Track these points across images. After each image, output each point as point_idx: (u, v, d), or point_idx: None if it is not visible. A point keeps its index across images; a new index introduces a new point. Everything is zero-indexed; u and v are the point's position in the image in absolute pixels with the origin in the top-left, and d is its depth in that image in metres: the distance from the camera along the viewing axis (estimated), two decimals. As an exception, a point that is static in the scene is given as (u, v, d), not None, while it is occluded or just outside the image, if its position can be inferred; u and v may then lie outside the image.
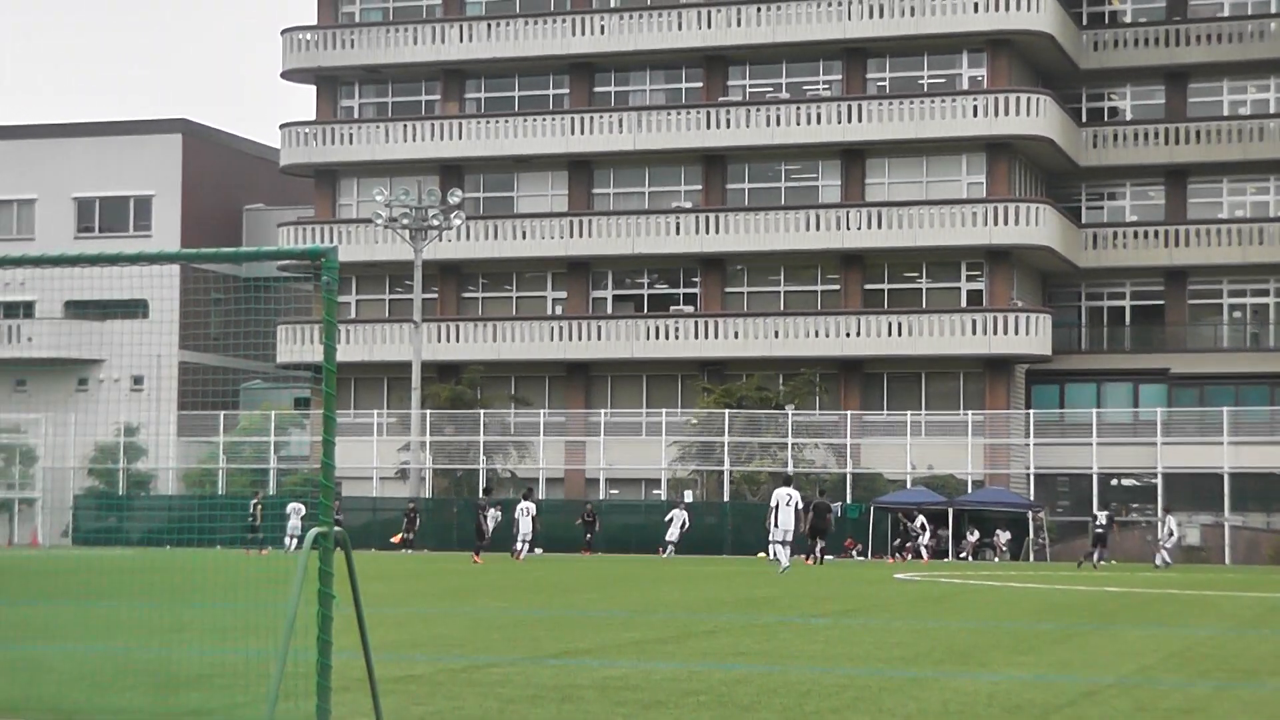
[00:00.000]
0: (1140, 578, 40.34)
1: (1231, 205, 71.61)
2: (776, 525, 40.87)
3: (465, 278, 74.03)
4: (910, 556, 56.85)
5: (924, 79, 69.58)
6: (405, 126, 73.75)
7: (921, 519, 58.12)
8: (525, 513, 49.77)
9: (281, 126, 75.24)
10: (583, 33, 72.17)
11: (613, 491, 67.10)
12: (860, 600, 26.83)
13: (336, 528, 9.78)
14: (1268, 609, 25.20)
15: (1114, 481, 65.41)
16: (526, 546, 50.35)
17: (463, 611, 22.84)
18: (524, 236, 71.87)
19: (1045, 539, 61.22)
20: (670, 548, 57.42)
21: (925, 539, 57.87)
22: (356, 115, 75.79)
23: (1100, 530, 52.03)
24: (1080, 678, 13.62)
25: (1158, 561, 50.75)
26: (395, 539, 59.67)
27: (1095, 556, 51.21)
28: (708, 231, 69.83)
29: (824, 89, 70.78)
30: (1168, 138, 71.48)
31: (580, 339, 70.77)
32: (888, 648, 16.74)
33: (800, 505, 41.94)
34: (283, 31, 75.27)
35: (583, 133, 71.79)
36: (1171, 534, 51.59)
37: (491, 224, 72.26)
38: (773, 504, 41.49)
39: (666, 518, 59.31)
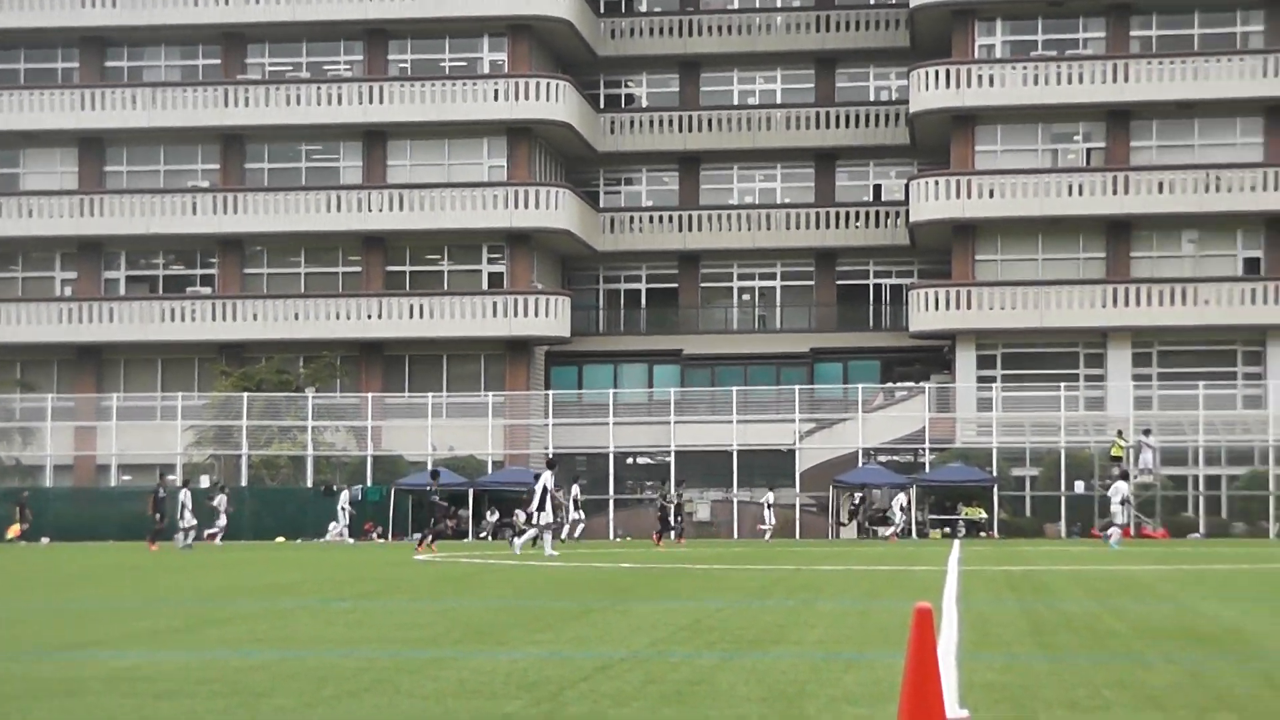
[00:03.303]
0: (654, 554, 41.42)
1: (741, 192, 74.28)
2: (545, 509, 38.87)
3: (-33, 257, 70.82)
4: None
5: (445, 62, 69.85)
6: (-100, 97, 70.08)
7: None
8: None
9: None
10: (94, 4, 69.79)
11: (125, 478, 65.22)
12: (381, 582, 26.77)
13: None
14: (772, 581, 26.19)
15: (630, 460, 67.02)
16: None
17: (-37, 606, 21.79)
18: (30, 215, 69.17)
19: (565, 518, 62.17)
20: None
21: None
22: None
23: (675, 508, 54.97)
24: (595, 653, 13.87)
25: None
26: (12, 532, 56.97)
27: (674, 534, 53.17)
28: (226, 212, 68.58)
29: (345, 69, 70.30)
30: (681, 125, 73.66)
31: (91, 321, 68.57)
32: (407, 629, 16.73)
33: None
34: None
35: (94, 108, 69.49)
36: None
37: (-5, 201, 69.28)
38: (546, 486, 39.09)
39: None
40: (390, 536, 59.89)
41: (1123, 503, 47.17)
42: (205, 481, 63.27)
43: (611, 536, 61.13)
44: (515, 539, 38.93)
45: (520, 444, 66.01)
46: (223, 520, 55.42)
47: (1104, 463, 60.04)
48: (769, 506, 58.30)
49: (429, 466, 62.66)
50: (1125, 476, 49.05)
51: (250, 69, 70.65)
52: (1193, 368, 64.12)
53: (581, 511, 53.84)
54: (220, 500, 55.81)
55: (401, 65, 70.24)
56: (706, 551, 43.25)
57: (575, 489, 49.54)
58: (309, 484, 63.20)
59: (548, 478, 39.53)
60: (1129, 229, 65.86)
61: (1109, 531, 46.85)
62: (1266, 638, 15.33)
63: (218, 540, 54.73)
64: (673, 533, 52.39)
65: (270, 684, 11.74)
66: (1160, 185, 64.59)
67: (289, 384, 66.07)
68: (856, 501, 59.91)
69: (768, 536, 57.09)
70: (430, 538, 45.25)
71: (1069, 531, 59.67)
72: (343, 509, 59.04)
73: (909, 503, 59.49)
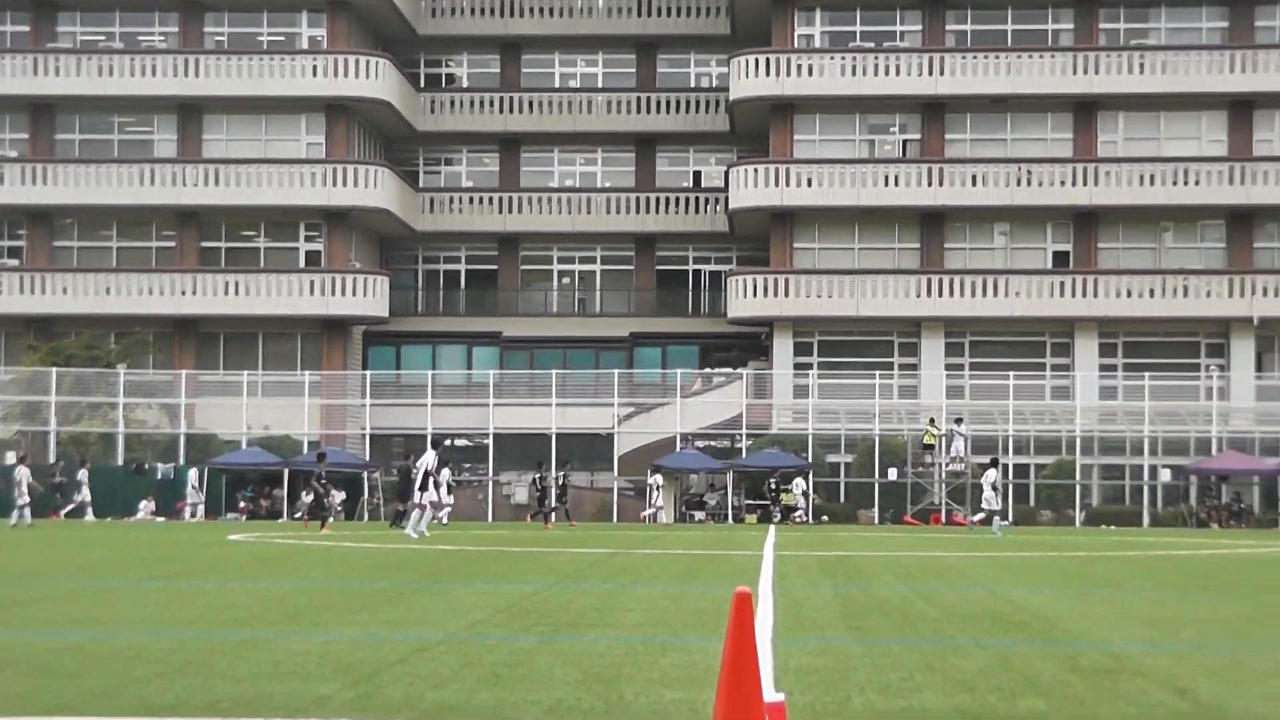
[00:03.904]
0: (471, 535, 41.33)
1: (561, 174, 74.26)
2: (426, 489, 39.80)
3: None
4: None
5: (264, 36, 68.98)
6: None
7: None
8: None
9: None
10: (-102, -33, 67.92)
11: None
12: (193, 563, 26.41)
13: None
14: (588, 564, 26.27)
15: (448, 442, 66.73)
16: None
17: None
18: None
19: (380, 499, 61.95)
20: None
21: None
22: None
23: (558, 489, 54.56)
24: (411, 635, 13.82)
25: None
26: None
27: (554, 515, 52.95)
28: (35, 183, 67.13)
29: (160, 40, 69.11)
30: (502, 106, 73.44)
31: (-106, 293, 66.78)
32: (220, 610, 16.52)
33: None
34: None
35: (-102, 74, 67.64)
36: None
37: None
38: (427, 467, 40.13)
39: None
40: (204, 515, 59.11)
41: (994, 488, 48.12)
42: (11, 458, 61.94)
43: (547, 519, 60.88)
44: (407, 523, 40.05)
45: (337, 424, 65.47)
46: (87, 496, 55.18)
47: (916, 450, 61.03)
48: (657, 489, 58.60)
49: (249, 440, 61.99)
50: (996, 464, 49.97)
51: (61, 37, 69.18)
52: (1003, 358, 65.32)
53: (452, 495, 53.81)
54: (82, 475, 55.56)
55: (218, 38, 69.23)
56: (524, 535, 43.24)
57: (446, 472, 49.60)
58: (120, 462, 62.13)
59: (430, 458, 40.70)
60: (943, 220, 66.88)
61: (980, 518, 48.83)
62: (1072, 623, 15.68)
63: (87, 516, 54.96)
64: (553, 514, 52.59)
65: (79, 665, 11.54)
66: (973, 178, 65.68)
67: (100, 360, 64.92)
68: (772, 486, 59.83)
69: (658, 518, 58.00)
70: (320, 519, 47.11)
71: (882, 518, 60.52)
72: (193, 487, 58.76)
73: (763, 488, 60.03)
